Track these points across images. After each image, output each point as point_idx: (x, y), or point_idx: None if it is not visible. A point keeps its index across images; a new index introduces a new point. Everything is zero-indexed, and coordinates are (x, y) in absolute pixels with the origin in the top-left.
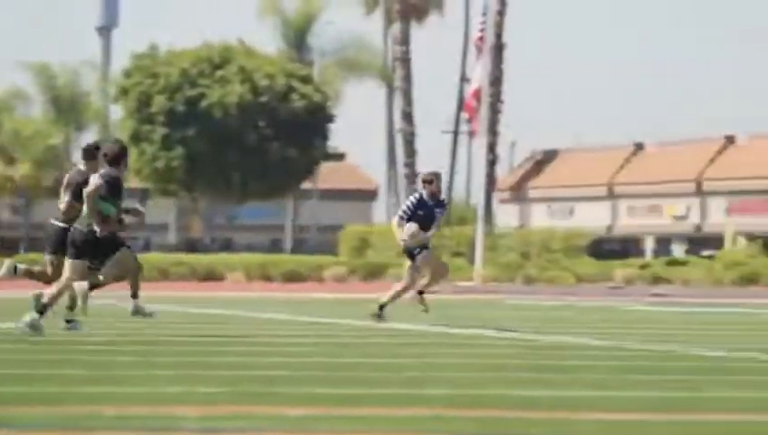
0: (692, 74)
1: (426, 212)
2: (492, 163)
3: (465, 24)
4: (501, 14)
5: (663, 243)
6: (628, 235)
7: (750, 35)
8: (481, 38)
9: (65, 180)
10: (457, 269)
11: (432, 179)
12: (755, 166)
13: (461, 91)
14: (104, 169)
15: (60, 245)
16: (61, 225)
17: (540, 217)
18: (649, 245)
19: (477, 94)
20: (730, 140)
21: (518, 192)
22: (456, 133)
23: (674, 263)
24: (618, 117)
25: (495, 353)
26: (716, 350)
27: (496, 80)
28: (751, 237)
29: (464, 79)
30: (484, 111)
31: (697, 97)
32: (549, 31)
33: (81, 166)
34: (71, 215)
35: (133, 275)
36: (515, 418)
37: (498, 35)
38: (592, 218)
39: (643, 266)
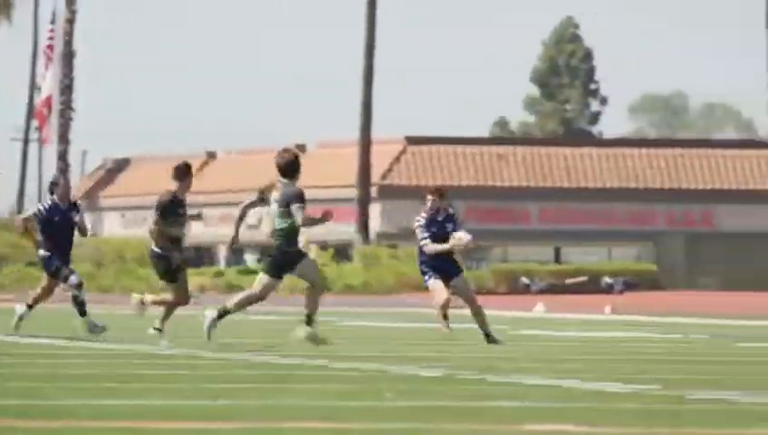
0: (266, 84)
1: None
2: (63, 171)
3: (35, 31)
4: (71, 21)
5: (236, 252)
6: (201, 243)
7: None
8: (50, 46)
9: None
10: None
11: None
12: (324, 175)
13: (31, 99)
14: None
15: (163, 269)
16: (156, 250)
17: (113, 226)
18: (222, 253)
19: (48, 102)
20: (301, 148)
21: (90, 201)
22: (26, 141)
23: (247, 272)
24: (191, 125)
25: (65, 364)
26: (293, 358)
27: (67, 88)
28: (323, 246)
29: (34, 87)
30: (54, 119)
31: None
32: (120, 39)
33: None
34: (154, 236)
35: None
36: (88, 428)
37: (68, 43)
38: None
39: (216, 275)
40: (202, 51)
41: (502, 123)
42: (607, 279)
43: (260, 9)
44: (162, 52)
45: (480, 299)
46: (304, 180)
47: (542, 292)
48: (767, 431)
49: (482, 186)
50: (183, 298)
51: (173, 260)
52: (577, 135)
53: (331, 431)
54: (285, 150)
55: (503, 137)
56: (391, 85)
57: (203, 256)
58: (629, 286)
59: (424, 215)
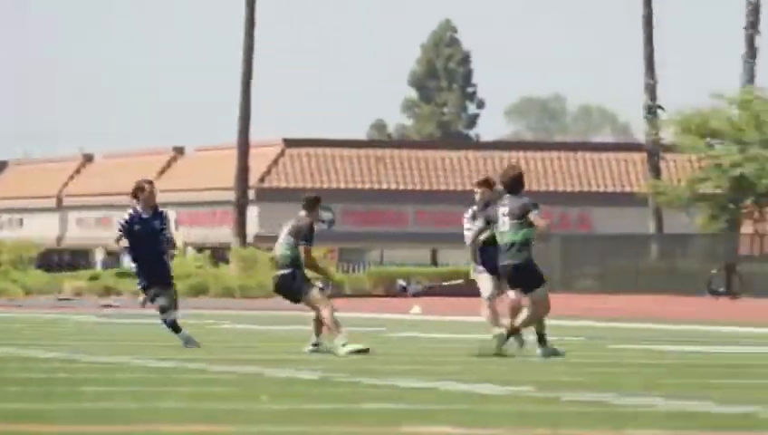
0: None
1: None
2: None
3: None
4: None
5: (113, 254)
6: (77, 246)
7: None
8: None
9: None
10: None
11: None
12: (202, 178)
13: None
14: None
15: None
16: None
17: None
18: (99, 256)
19: None
20: (179, 151)
21: None
22: None
23: (124, 274)
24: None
25: None
26: (166, 361)
27: None
28: (200, 249)
29: None
30: None
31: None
32: None
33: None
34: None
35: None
36: None
37: None
38: (42, 230)
39: (93, 278)
40: (78, 51)
41: (379, 126)
42: None
43: (137, 9)
44: (34, 52)
45: (357, 302)
46: (182, 183)
47: (418, 294)
48: (640, 432)
49: (359, 188)
50: None
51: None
52: (454, 138)
53: (210, 434)
54: (512, 167)
55: (380, 140)
56: (270, 88)
57: (79, 259)
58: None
59: (474, 208)
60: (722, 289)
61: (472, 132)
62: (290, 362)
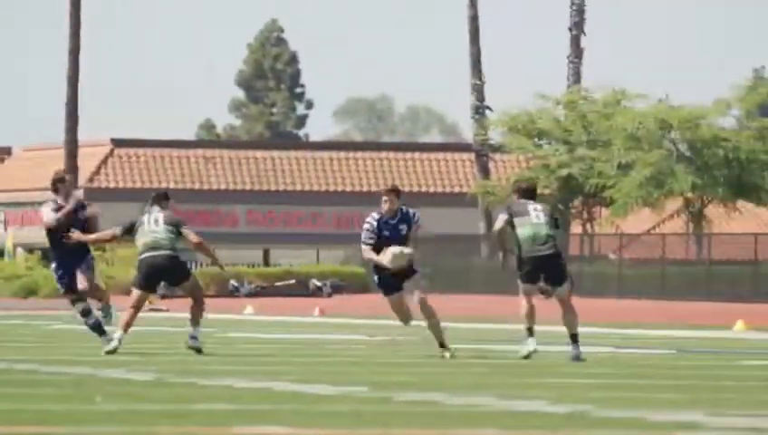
0: None
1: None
2: None
3: None
4: None
5: None
6: None
7: None
8: None
9: None
10: None
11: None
12: (31, 178)
13: None
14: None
15: None
16: None
17: None
18: None
19: None
20: (6, 151)
21: None
22: None
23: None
24: None
25: None
26: (1, 362)
27: None
28: (30, 249)
29: None
30: None
31: None
32: None
33: None
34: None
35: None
36: None
37: None
38: None
39: None
40: None
41: (208, 126)
42: (315, 281)
43: None
44: None
45: (188, 302)
46: (11, 183)
47: (250, 295)
48: (472, 432)
49: (189, 189)
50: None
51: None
52: (284, 138)
53: None
54: (525, 180)
55: (209, 140)
56: (98, 87)
57: None
58: (337, 289)
59: (375, 216)
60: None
61: (301, 132)
62: (122, 364)
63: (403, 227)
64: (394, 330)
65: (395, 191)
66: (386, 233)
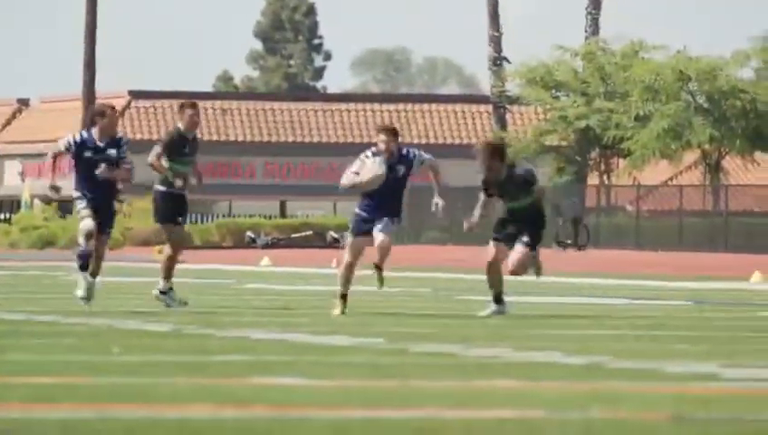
0: None
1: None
2: None
3: None
4: None
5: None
6: None
7: None
8: None
9: None
10: None
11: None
12: (47, 129)
13: None
14: None
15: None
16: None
17: None
18: None
19: None
20: (24, 103)
21: None
22: None
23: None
24: None
25: None
26: (16, 313)
27: None
28: (47, 201)
29: None
30: None
31: None
32: None
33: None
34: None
35: None
36: None
37: None
38: None
39: None
40: None
41: (226, 78)
42: (332, 233)
43: None
44: None
45: (206, 253)
46: (28, 135)
47: (267, 246)
48: (489, 383)
49: (206, 140)
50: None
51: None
52: (301, 90)
53: (61, 386)
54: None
55: (227, 91)
56: (115, 39)
57: None
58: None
59: (369, 153)
60: (569, 241)
61: (319, 84)
62: (139, 315)
63: (401, 168)
64: (411, 281)
65: (391, 131)
66: None
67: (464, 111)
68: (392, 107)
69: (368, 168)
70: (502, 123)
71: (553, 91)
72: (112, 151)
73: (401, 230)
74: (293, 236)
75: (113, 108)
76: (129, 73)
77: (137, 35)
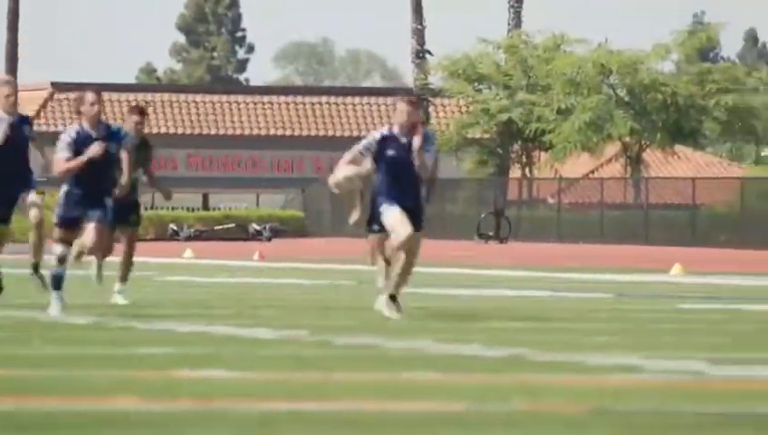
0: None
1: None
2: None
3: None
4: None
5: None
6: None
7: None
8: None
9: None
10: None
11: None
12: None
13: None
14: None
15: None
16: None
17: None
18: None
19: None
20: None
21: None
22: None
23: None
24: None
25: None
26: None
27: None
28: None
29: None
30: None
31: None
32: None
33: None
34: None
35: None
36: None
37: None
38: None
39: None
40: None
41: (149, 70)
42: (255, 226)
43: None
44: None
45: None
46: None
47: (190, 238)
48: (412, 375)
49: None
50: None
51: None
52: (224, 83)
53: None
54: None
55: (150, 83)
56: (37, 31)
57: None
58: (277, 233)
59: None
60: (491, 233)
61: (242, 77)
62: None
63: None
64: (334, 274)
65: (415, 102)
66: (390, 152)
67: (387, 104)
68: (315, 100)
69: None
70: (425, 116)
71: (476, 83)
72: (111, 145)
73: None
74: (216, 228)
75: (97, 91)
76: (52, 65)
77: (59, 27)
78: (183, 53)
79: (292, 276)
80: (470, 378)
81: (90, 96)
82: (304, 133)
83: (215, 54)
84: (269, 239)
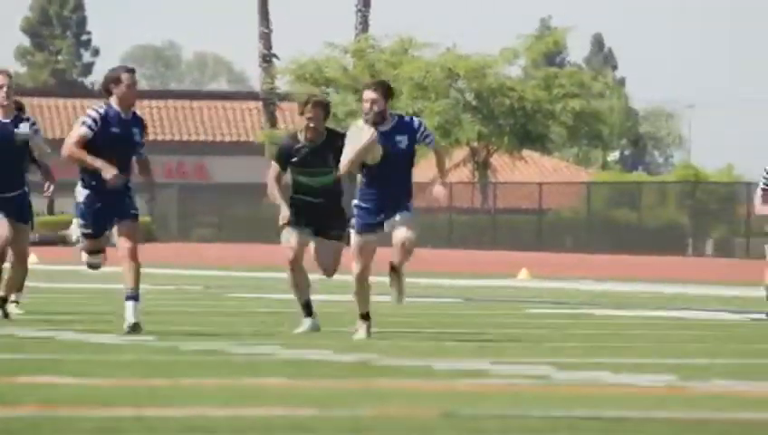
0: None
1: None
2: None
3: None
4: None
5: None
6: None
7: None
8: None
9: None
10: None
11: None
12: None
13: None
14: None
15: None
16: None
17: None
18: None
19: None
20: None
21: None
22: None
23: None
24: None
25: None
26: None
27: None
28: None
29: None
30: None
31: None
32: None
33: None
34: None
35: None
36: None
37: None
38: None
39: None
40: None
41: None
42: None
43: None
44: None
45: None
46: None
47: (34, 244)
48: (259, 381)
49: None
50: None
51: None
52: (70, 86)
53: None
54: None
55: None
56: None
57: None
58: None
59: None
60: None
61: (87, 80)
62: None
63: (401, 140)
64: (180, 279)
65: (380, 87)
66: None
67: (234, 108)
68: (162, 103)
69: (355, 138)
70: (272, 120)
71: (323, 87)
72: (135, 131)
73: (173, 228)
74: (61, 233)
75: (131, 70)
76: None
77: None
78: (27, 57)
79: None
80: (318, 383)
81: (126, 76)
82: (151, 137)
83: (59, 58)
84: (115, 245)
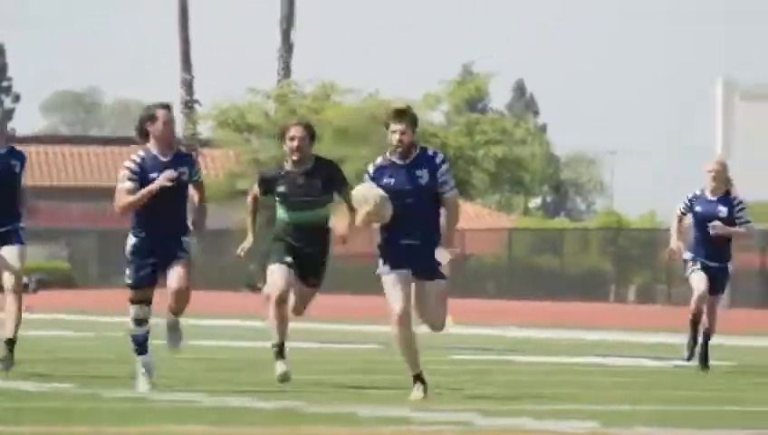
0: None
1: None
2: None
3: None
4: None
5: None
6: None
7: None
8: None
9: None
10: None
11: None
12: None
13: None
14: None
15: None
16: None
17: None
18: None
19: None
20: None
21: None
22: None
23: None
24: None
25: None
26: None
27: None
28: None
29: None
30: None
31: None
32: None
33: None
34: None
35: None
36: None
37: None
38: None
39: None
40: None
41: None
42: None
43: None
44: None
45: None
46: None
47: None
48: (181, 428)
49: None
50: None
51: None
52: None
53: None
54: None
55: None
56: None
57: None
58: (43, 285)
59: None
60: (260, 284)
61: (8, 126)
62: None
63: (422, 175)
64: (99, 326)
65: (408, 115)
66: (388, 181)
67: None
68: (82, 149)
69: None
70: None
71: (245, 133)
72: (183, 170)
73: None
74: None
75: (167, 106)
76: None
77: None
78: None
79: (60, 328)
80: (241, 431)
81: (162, 113)
82: (71, 183)
83: None
84: (35, 291)
